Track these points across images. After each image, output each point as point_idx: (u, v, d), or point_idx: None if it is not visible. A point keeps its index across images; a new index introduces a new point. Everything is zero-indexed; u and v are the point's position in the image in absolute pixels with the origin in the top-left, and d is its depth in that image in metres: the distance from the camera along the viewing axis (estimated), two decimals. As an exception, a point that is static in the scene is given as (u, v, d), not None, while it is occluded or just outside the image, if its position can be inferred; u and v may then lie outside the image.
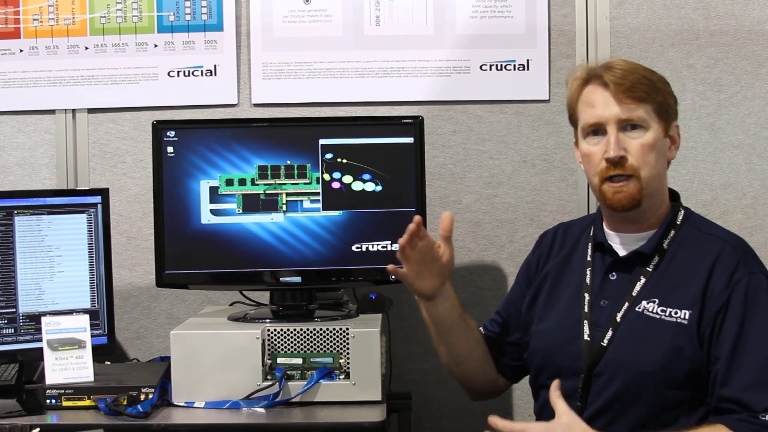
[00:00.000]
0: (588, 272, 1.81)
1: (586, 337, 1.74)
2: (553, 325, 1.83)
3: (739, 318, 1.64)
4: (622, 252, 1.78)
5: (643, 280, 1.73)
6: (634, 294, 1.73)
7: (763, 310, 1.65)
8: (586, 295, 1.78)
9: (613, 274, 1.78)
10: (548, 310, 1.86)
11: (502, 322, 1.97)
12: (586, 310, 1.77)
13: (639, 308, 1.71)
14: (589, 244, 1.85)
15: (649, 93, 1.71)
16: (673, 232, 1.77)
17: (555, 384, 1.68)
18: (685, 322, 1.66)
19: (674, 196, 1.83)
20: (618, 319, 1.72)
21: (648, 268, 1.74)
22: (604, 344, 1.71)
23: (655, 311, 1.69)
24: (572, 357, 1.74)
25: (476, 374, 1.95)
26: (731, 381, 1.62)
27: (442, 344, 1.93)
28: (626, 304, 1.72)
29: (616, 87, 1.70)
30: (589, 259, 1.83)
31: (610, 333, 1.71)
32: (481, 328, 1.99)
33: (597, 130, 1.73)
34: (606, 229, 1.83)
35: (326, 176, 2.15)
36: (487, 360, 1.95)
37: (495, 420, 1.65)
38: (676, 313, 1.68)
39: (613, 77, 1.70)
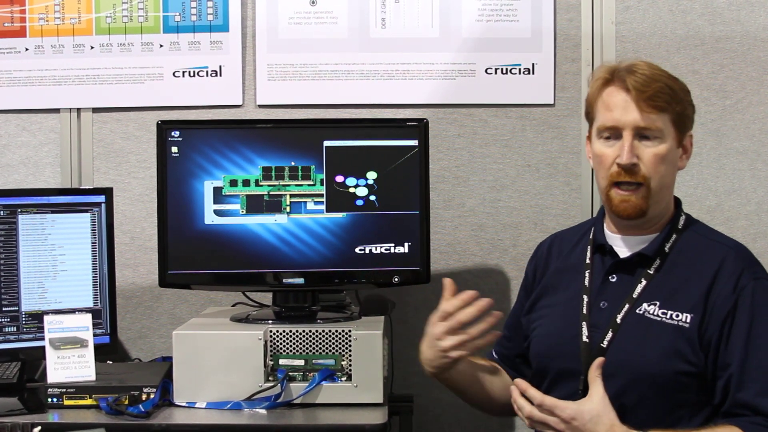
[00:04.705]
0: (587, 274, 1.81)
1: (584, 338, 1.74)
2: (551, 328, 1.83)
3: (747, 323, 1.65)
4: (623, 254, 1.78)
5: (644, 282, 1.74)
6: (634, 296, 1.73)
7: None
8: (585, 297, 1.78)
9: (614, 275, 1.78)
10: (547, 314, 1.86)
11: (511, 336, 1.98)
12: (584, 311, 1.77)
13: (640, 310, 1.71)
14: (589, 246, 1.85)
15: (670, 103, 1.70)
16: (674, 235, 1.77)
17: (597, 362, 1.63)
18: (686, 325, 1.67)
19: (676, 202, 1.84)
20: (618, 320, 1.72)
21: (649, 271, 1.74)
22: (604, 345, 1.71)
23: (655, 313, 1.70)
24: (571, 359, 1.74)
25: (501, 406, 1.91)
26: (744, 386, 1.63)
27: (461, 398, 1.94)
28: (627, 306, 1.72)
29: (638, 94, 1.69)
30: (588, 261, 1.83)
31: (610, 334, 1.72)
32: (493, 351, 2.00)
33: (612, 133, 1.73)
34: (607, 231, 1.83)
35: (330, 178, 2.15)
36: (505, 386, 1.90)
37: (523, 385, 1.65)
38: (677, 315, 1.68)
39: (635, 83, 1.69)
